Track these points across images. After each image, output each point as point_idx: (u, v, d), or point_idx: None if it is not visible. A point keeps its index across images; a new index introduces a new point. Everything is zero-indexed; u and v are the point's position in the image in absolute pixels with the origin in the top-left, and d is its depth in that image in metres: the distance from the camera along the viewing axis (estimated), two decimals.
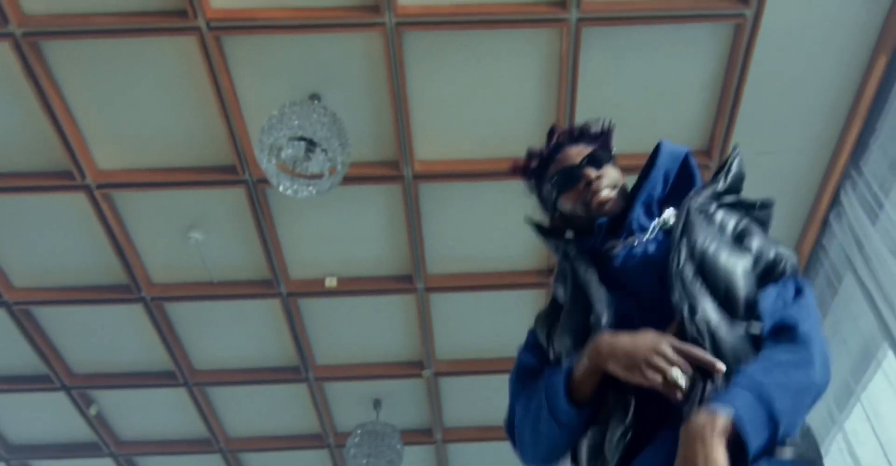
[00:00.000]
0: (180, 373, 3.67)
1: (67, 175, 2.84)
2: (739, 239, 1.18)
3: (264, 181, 2.77)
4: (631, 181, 1.34)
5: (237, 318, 3.46)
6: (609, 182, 1.31)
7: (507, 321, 3.50)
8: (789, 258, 1.15)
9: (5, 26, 2.43)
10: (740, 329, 1.04)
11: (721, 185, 1.26)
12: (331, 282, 3.25)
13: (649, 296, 1.14)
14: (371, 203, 3.04)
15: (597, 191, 1.29)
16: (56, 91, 2.62)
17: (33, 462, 4.18)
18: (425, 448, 4.14)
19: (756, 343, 1.03)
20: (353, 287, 3.29)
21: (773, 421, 0.93)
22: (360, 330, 3.55)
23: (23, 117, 2.72)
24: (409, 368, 3.70)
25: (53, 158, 2.82)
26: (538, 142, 2.76)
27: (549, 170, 1.35)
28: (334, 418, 4.04)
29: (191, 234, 3.09)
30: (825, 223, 3.05)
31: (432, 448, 4.14)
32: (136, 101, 2.69)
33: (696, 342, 1.01)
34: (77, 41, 2.50)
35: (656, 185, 1.33)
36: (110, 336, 3.51)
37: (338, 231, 3.14)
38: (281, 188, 2.42)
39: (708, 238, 1.14)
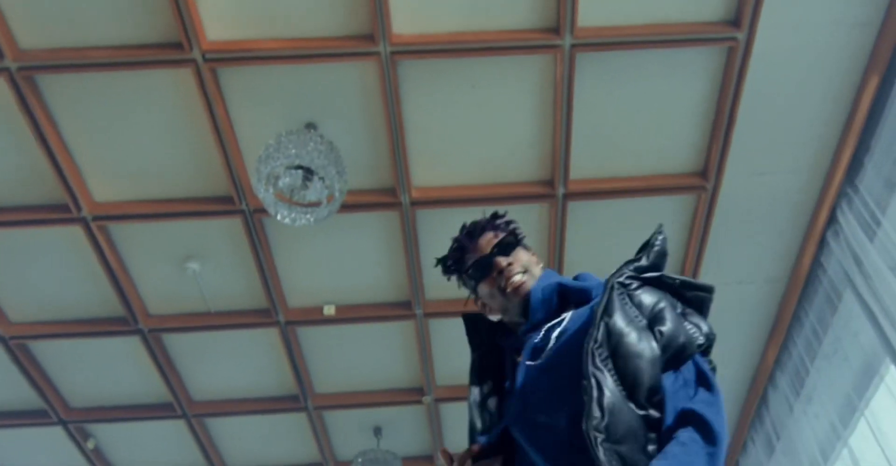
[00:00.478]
0: (178, 405, 3.63)
1: (63, 208, 2.83)
2: (653, 323, 1.18)
3: (261, 210, 2.77)
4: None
5: (235, 348, 3.44)
6: (520, 267, 1.38)
7: None
8: (695, 340, 1.18)
9: (1, 61, 2.44)
10: (638, 412, 1.10)
11: (644, 262, 1.25)
12: (329, 310, 3.23)
13: (560, 376, 1.19)
14: (369, 230, 3.04)
15: (509, 278, 1.37)
16: (51, 124, 2.62)
17: None
18: None
19: (652, 425, 1.10)
20: (351, 314, 3.27)
21: None
22: (359, 357, 3.53)
23: (18, 151, 2.71)
24: (410, 394, 3.67)
25: (49, 191, 2.82)
26: (535, 166, 2.80)
27: (466, 261, 1.44)
28: (334, 446, 3.99)
29: (188, 265, 3.07)
30: (822, 241, 3.06)
31: None
32: (131, 133, 2.69)
33: (598, 420, 1.06)
34: (72, 74, 2.51)
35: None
36: (107, 368, 3.48)
37: (336, 258, 3.13)
38: (279, 217, 2.42)
39: (624, 321, 1.15)
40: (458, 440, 3.95)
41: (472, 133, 2.74)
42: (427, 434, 3.89)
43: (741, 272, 3.26)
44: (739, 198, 2.97)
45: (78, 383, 3.55)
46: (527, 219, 3.00)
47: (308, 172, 2.27)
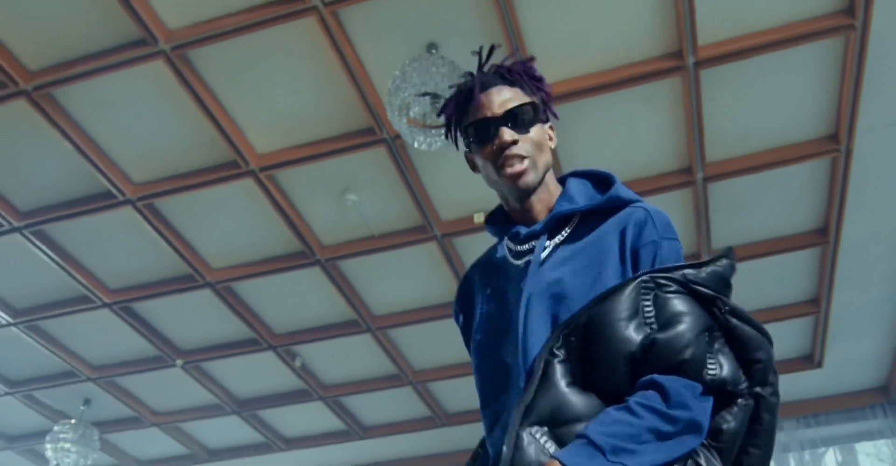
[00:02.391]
0: (363, 321, 4.07)
1: (234, 165, 3.21)
2: (662, 327, 1.02)
3: (400, 137, 2.99)
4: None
5: (402, 265, 3.77)
6: (526, 150, 1.19)
7: None
8: (705, 368, 1.01)
9: (156, 45, 2.76)
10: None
11: (699, 275, 1.07)
12: (479, 218, 3.46)
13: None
14: None
15: (507, 160, 1.18)
16: (209, 93, 2.95)
17: (260, 412, 4.82)
18: None
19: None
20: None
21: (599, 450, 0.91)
22: None
23: (186, 122, 3.08)
24: None
25: (219, 152, 3.19)
26: (658, 39, 2.78)
27: (469, 113, 1.23)
28: None
29: (347, 196, 3.39)
30: None
31: None
32: (276, 87, 2.98)
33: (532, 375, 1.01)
34: (216, 44, 2.79)
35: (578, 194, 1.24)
36: (298, 297, 3.95)
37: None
38: (416, 144, 2.62)
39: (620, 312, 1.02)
40: None
41: (589, 19, 2.75)
42: None
43: None
44: None
45: (277, 313, 4.07)
46: (657, 96, 3.03)
47: (435, 97, 2.43)
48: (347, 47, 2.78)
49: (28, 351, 4.23)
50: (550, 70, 2.93)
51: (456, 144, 1.31)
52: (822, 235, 3.64)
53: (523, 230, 1.21)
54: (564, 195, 1.24)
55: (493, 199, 3.60)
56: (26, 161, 3.27)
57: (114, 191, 3.32)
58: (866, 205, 3.48)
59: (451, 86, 1.31)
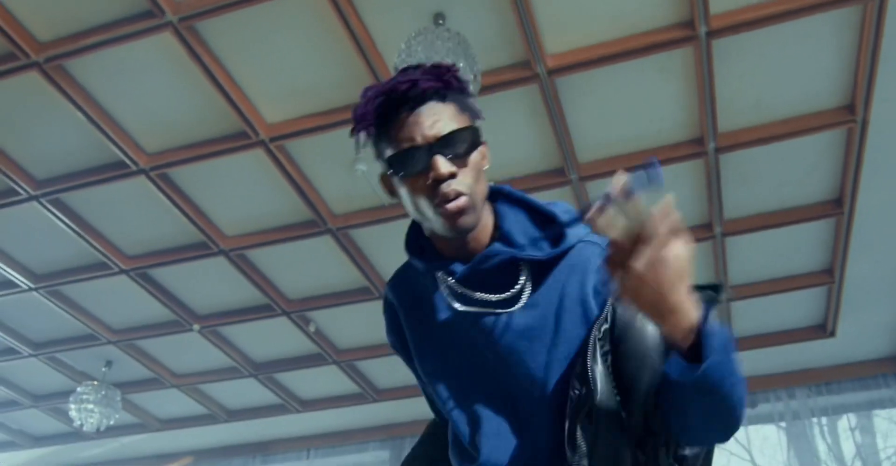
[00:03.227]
0: (374, 288, 4.13)
1: (244, 135, 3.23)
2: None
3: None
4: None
5: None
6: (466, 185, 1.00)
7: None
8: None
9: (163, 16, 2.76)
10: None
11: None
12: None
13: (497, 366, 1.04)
14: (512, 106, 3.16)
15: (445, 197, 0.98)
16: (217, 64, 2.95)
17: (276, 375, 4.93)
18: None
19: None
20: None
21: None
22: None
23: (197, 93, 3.10)
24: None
25: (229, 123, 3.21)
26: (670, 7, 2.73)
27: (389, 136, 1.01)
28: None
29: (357, 167, 3.40)
30: None
31: None
32: (284, 58, 2.97)
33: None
34: (223, 16, 2.78)
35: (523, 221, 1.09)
36: (311, 265, 4.00)
37: (486, 138, 3.30)
38: None
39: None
40: None
41: None
42: None
43: None
44: None
45: (291, 280, 4.13)
46: (669, 66, 2.99)
47: None
48: (353, 17, 2.76)
49: (50, 315, 4.35)
50: (560, 40, 2.90)
51: (356, 148, 1.13)
52: (837, 206, 3.60)
53: (459, 269, 1.06)
54: (502, 234, 1.09)
55: (503, 167, 3.56)
56: (41, 131, 3.32)
57: (127, 161, 3.37)
58: (882, 176, 3.43)
59: (365, 90, 1.05)
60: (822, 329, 4.49)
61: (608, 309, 0.99)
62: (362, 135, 1.05)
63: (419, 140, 0.99)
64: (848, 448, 5.02)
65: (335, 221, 3.68)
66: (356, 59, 2.93)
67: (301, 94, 3.11)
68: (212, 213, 3.70)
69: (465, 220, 1.01)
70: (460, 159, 1.01)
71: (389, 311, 1.24)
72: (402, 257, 3.80)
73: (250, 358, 4.80)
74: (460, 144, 1.00)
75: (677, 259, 0.87)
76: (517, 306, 1.05)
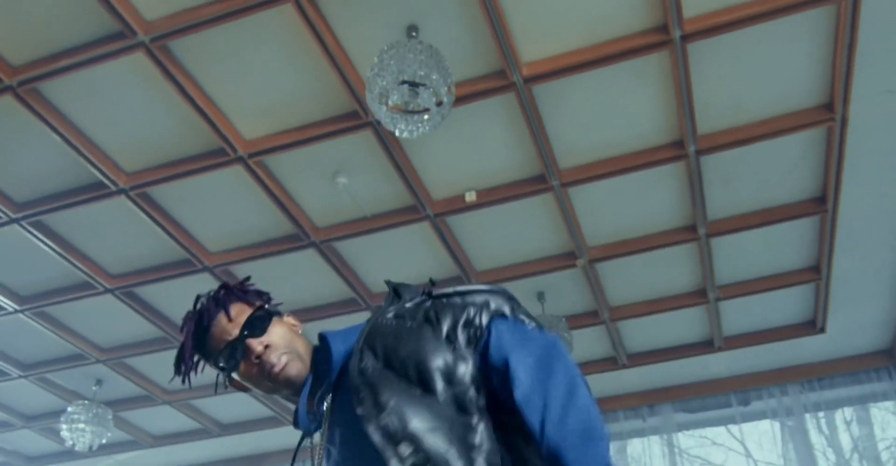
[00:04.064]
0: (361, 299, 4.12)
1: (222, 152, 3.21)
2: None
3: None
4: None
5: (397, 244, 3.79)
6: (282, 348, 1.21)
7: (650, 199, 3.57)
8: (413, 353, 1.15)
9: (134, 37, 2.74)
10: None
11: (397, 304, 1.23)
12: (470, 197, 3.46)
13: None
14: (490, 115, 3.16)
15: (271, 366, 1.20)
16: (192, 82, 2.94)
17: None
18: (595, 329, 4.37)
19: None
20: (492, 197, 3.48)
21: None
22: (509, 234, 3.76)
23: (173, 112, 3.08)
24: (564, 260, 3.88)
25: (207, 140, 3.20)
26: (644, 13, 2.72)
27: (209, 352, 1.23)
28: None
29: (338, 180, 3.39)
30: None
31: (602, 328, 4.37)
32: (258, 74, 2.96)
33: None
34: (195, 34, 2.77)
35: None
36: (297, 278, 3.99)
37: (466, 148, 3.30)
38: (397, 132, 2.61)
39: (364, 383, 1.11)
40: (619, 293, 4.17)
41: None
42: (588, 293, 4.13)
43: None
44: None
45: (276, 294, 4.04)
46: (646, 71, 2.98)
47: (412, 85, 2.41)
48: (326, 32, 2.75)
49: (37, 336, 4.33)
50: (535, 48, 2.89)
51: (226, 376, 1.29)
52: (821, 204, 3.60)
53: (301, 408, 1.23)
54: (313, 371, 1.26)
55: (484, 177, 3.52)
56: (19, 154, 3.30)
57: (106, 181, 3.35)
58: (864, 172, 3.43)
59: (182, 326, 1.29)
60: (812, 325, 4.49)
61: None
62: (199, 365, 1.28)
63: (227, 338, 1.22)
64: (846, 440, 5.03)
65: (318, 234, 3.67)
66: (330, 72, 2.91)
67: (277, 110, 3.10)
68: (195, 230, 3.69)
69: (294, 374, 1.21)
70: (267, 334, 1.23)
71: None
72: (387, 266, 3.78)
73: None
74: (260, 322, 1.23)
75: None
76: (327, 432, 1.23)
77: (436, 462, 0.97)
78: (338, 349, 1.23)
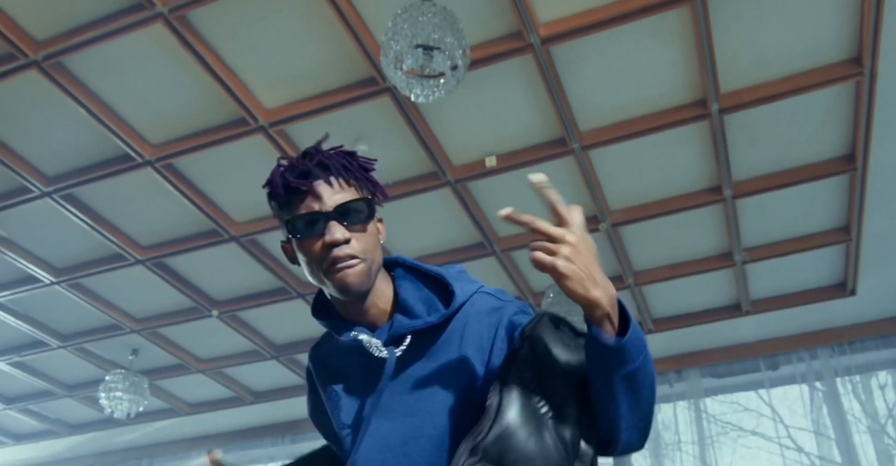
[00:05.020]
0: None
1: (243, 122, 3.25)
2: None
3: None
4: None
5: (418, 211, 3.81)
6: (359, 251, 1.09)
7: (673, 160, 3.53)
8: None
9: (153, 8, 2.77)
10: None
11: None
12: (490, 162, 3.45)
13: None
14: (509, 77, 3.13)
15: (337, 261, 1.07)
16: (211, 52, 2.96)
17: (298, 356, 5.00)
18: (619, 294, 4.34)
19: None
20: (512, 161, 3.47)
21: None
22: (530, 198, 3.74)
23: (194, 83, 3.12)
24: (587, 224, 3.82)
25: (228, 111, 3.23)
26: None
27: (292, 204, 1.11)
28: (529, 281, 4.37)
29: (358, 146, 3.40)
30: None
31: (626, 293, 4.36)
32: (275, 42, 2.97)
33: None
34: (212, 4, 2.79)
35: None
36: None
37: (485, 112, 3.29)
38: (413, 97, 2.60)
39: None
40: (643, 257, 4.15)
41: None
42: (612, 258, 4.11)
43: None
44: None
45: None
46: (666, 28, 2.93)
47: (427, 49, 2.40)
48: None
49: (74, 307, 4.46)
50: (551, 8, 2.85)
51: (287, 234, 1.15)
52: (850, 162, 3.52)
53: (364, 336, 1.13)
54: (400, 305, 1.17)
55: (504, 141, 3.51)
56: (47, 129, 3.37)
57: (132, 153, 3.41)
58: (894, 129, 3.35)
59: (279, 163, 1.17)
60: (843, 287, 4.42)
61: (518, 339, 1.08)
62: (273, 203, 1.17)
63: (317, 207, 1.10)
64: (881, 406, 4.97)
65: None
66: (347, 38, 2.91)
67: (296, 78, 3.12)
68: (220, 201, 3.75)
69: (356, 283, 1.09)
70: (355, 227, 1.11)
71: (308, 380, 1.33)
72: (408, 233, 3.80)
73: (270, 340, 4.88)
74: (355, 214, 1.11)
75: (590, 240, 1.03)
76: (420, 359, 1.13)
77: None
78: (464, 290, 1.15)
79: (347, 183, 1.14)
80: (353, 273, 1.08)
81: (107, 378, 4.71)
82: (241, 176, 3.60)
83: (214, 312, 4.45)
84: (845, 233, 3.97)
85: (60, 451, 6.37)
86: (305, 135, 3.37)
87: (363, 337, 1.12)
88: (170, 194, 3.65)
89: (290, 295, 4.35)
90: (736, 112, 3.24)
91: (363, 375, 1.16)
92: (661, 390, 5.06)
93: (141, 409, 4.80)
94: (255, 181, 3.59)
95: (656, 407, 5.14)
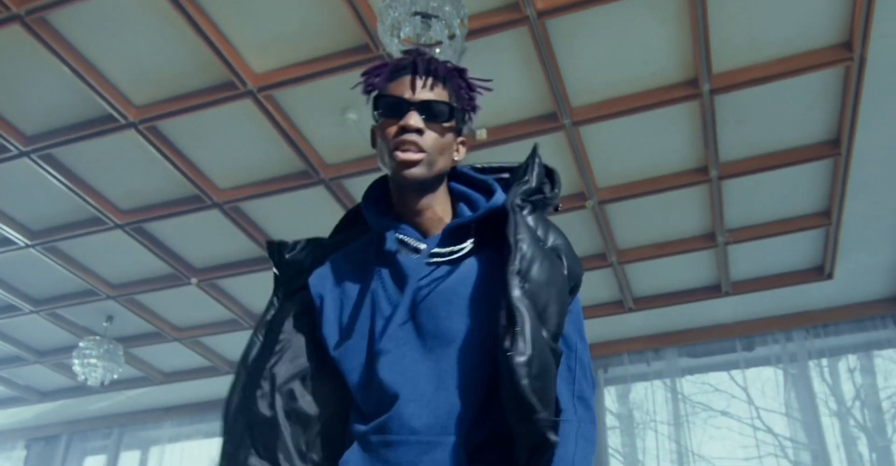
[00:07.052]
0: None
1: (231, 86, 3.18)
2: (555, 253, 1.11)
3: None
4: None
5: None
6: (427, 144, 1.13)
7: (662, 139, 3.54)
8: (581, 274, 1.16)
9: None
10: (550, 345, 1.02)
11: (533, 183, 1.18)
12: (482, 134, 3.43)
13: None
14: (502, 50, 3.11)
15: (403, 144, 1.12)
16: (201, 13, 2.89)
17: None
18: (602, 272, 4.39)
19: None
20: (502, 134, 3.45)
21: None
22: None
23: (182, 44, 3.04)
24: (574, 201, 3.86)
25: (216, 74, 3.16)
26: None
27: (389, 89, 1.17)
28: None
29: (347, 115, 3.36)
30: None
31: (609, 271, 4.38)
32: (268, 6, 2.91)
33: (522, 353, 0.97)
34: None
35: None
36: (305, 215, 3.98)
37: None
38: None
39: (536, 252, 1.06)
40: (627, 236, 4.17)
41: None
42: (597, 235, 4.13)
43: None
44: None
45: (285, 231, 4.11)
46: (662, 6, 2.92)
47: (425, 16, 2.36)
48: None
49: (48, 271, 4.38)
50: None
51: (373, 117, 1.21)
52: (834, 146, 3.56)
53: (413, 238, 1.16)
54: (457, 215, 1.20)
55: (495, 114, 3.49)
56: (28, 86, 3.27)
57: (115, 114, 3.33)
58: (880, 115, 3.39)
59: (403, 53, 1.23)
60: (820, 271, 4.50)
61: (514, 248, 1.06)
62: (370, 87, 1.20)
63: (407, 96, 1.15)
64: (848, 389, 5.08)
65: (327, 171, 3.66)
66: (341, 4, 2.86)
67: (287, 43, 3.06)
68: (204, 166, 3.68)
69: (414, 172, 1.13)
70: (433, 125, 1.15)
71: (287, 279, 1.27)
72: None
73: (250, 310, 4.84)
74: (439, 114, 1.15)
75: None
76: (462, 260, 1.14)
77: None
78: (499, 198, 1.17)
79: (444, 89, 1.18)
80: (414, 159, 1.11)
81: (80, 344, 4.65)
82: (226, 141, 3.54)
83: (194, 280, 4.40)
84: (826, 217, 4.03)
85: (28, 418, 6.29)
86: (294, 101, 3.31)
87: (402, 236, 1.16)
88: (152, 157, 3.58)
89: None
90: (727, 93, 3.25)
91: (383, 290, 1.14)
92: (638, 369, 5.13)
93: (115, 377, 4.74)
94: (240, 147, 3.57)
95: (630, 386, 5.23)
